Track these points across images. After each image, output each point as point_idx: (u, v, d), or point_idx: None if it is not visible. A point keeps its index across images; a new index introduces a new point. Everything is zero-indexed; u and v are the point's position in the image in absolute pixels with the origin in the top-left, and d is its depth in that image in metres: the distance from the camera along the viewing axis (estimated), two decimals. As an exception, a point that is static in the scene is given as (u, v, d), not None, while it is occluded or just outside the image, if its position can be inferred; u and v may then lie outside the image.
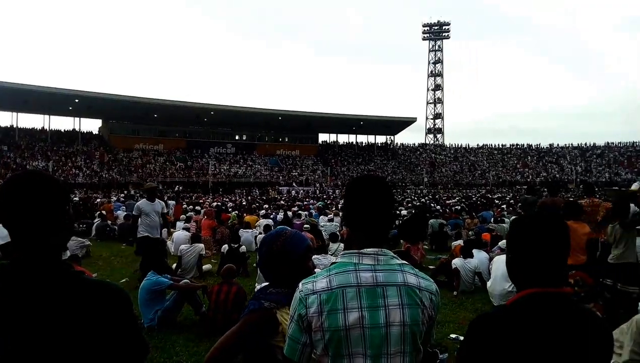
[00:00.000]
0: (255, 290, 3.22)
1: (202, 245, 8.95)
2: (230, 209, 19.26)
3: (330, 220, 13.74)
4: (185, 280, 6.20)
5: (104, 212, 15.48)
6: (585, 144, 68.31)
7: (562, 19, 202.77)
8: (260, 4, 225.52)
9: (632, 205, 6.24)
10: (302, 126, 62.36)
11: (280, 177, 55.88)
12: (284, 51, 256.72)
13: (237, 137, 64.06)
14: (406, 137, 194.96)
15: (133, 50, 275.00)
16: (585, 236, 5.57)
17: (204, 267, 8.83)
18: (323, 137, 70.30)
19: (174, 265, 8.39)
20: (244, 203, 24.38)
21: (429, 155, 70.59)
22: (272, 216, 15.28)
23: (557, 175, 59.69)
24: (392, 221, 1.54)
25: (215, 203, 21.87)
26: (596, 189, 8.70)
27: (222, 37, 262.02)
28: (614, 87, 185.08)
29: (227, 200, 28.47)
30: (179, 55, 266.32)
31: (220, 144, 61.04)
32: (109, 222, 14.52)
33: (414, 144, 74.36)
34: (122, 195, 27.76)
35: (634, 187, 9.57)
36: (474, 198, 27.88)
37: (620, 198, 6.16)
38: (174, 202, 17.54)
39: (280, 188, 47.55)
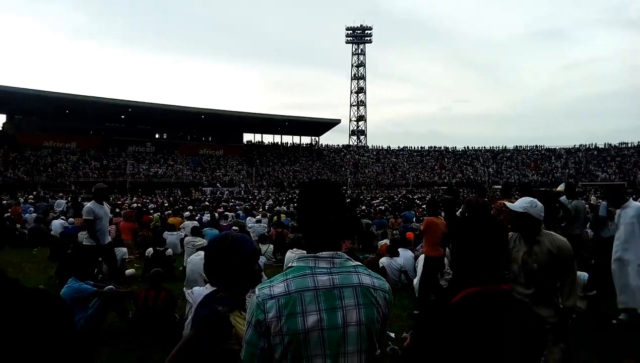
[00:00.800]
0: (186, 294, 3.12)
1: (124, 249, 8.53)
2: (151, 211, 18.48)
3: (258, 221, 13.61)
4: (110, 286, 5.87)
5: (11, 215, 14.25)
6: (497, 147, 72.99)
7: (475, 28, 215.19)
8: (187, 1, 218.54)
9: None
10: (227, 126, 61.31)
11: (204, 177, 54.52)
12: (206, 52, 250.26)
13: (157, 136, 61.67)
14: (331, 139, 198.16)
15: (44, 44, 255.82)
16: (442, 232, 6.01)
17: (127, 271, 8.41)
18: (248, 137, 69.71)
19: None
20: (166, 204, 23.50)
21: (353, 157, 72.16)
22: (197, 217, 14.86)
23: (472, 177, 63.38)
24: (345, 224, 1.56)
25: (135, 205, 20.89)
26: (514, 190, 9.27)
27: (147, 35, 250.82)
28: (521, 95, 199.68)
29: (148, 201, 27.30)
30: (99, 51, 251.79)
31: (139, 143, 58.37)
32: (18, 226, 13.40)
33: (338, 145, 75.70)
34: (31, 196, 25.74)
35: (560, 188, 10.28)
36: (396, 199, 28.81)
37: (546, 199, 6.60)
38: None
39: (203, 188, 46.39)
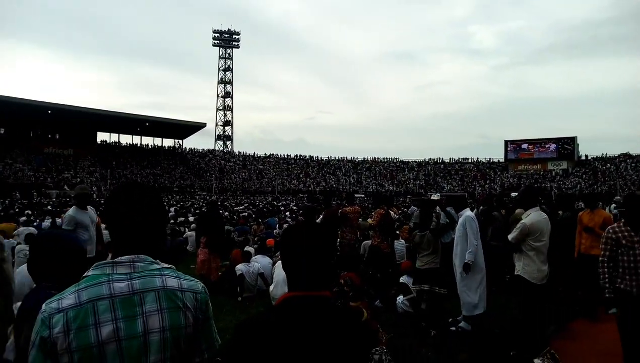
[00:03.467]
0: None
1: None
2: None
3: (107, 229, 12.51)
4: None
5: None
6: (357, 158, 77.29)
7: (338, 45, 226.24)
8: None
9: (441, 213, 7.22)
10: (78, 123, 55.99)
11: (49, 179, 49.08)
12: (60, 44, 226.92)
13: (-8, 130, 54.17)
14: (196, 142, 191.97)
15: None
16: None
17: None
18: (103, 137, 64.61)
19: None
20: (-2, 208, 20.59)
21: (219, 162, 70.81)
22: (36, 223, 13.20)
23: (334, 185, 66.12)
24: (157, 227, 1.45)
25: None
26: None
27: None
28: (379, 110, 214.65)
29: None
30: None
31: (-31, 137, 50.74)
32: None
33: (204, 150, 73.78)
34: None
35: (434, 197, 11.01)
36: (260, 206, 28.80)
37: (424, 206, 6.98)
38: None
39: (48, 191, 41.73)
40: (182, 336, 1.33)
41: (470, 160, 73.87)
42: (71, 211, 5.94)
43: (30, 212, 16.97)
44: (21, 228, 11.41)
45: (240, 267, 7.40)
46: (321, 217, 8.54)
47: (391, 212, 8.71)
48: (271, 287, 6.62)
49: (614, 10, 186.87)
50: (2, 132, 54.71)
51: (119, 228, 1.38)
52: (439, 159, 75.64)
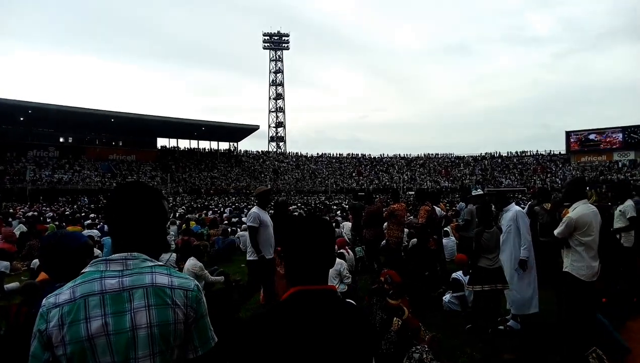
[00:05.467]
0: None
1: (6, 263, 7.79)
2: (48, 219, 17.15)
3: (165, 228, 13.04)
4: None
5: None
6: (410, 155, 76.12)
7: (388, 41, 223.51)
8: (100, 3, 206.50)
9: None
10: (139, 130, 58.69)
11: (114, 184, 51.70)
12: (118, 53, 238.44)
13: (61, 139, 57.71)
14: (250, 144, 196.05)
15: None
16: None
17: (8, 285, 7.68)
18: (162, 142, 67.27)
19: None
20: (67, 212, 21.94)
21: (272, 163, 71.94)
22: (99, 226, 13.98)
23: (388, 183, 65.48)
24: (153, 226, 1.51)
25: (30, 213, 19.29)
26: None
27: (52, 33, 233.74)
28: (432, 105, 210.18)
29: (47, 209, 25.35)
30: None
31: (41, 147, 54.28)
32: None
33: (258, 152, 75.17)
34: None
35: (475, 192, 10.70)
36: (313, 205, 29.05)
37: (483, 202, 6.63)
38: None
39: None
40: (170, 332, 1.37)
41: (529, 153, 70.98)
42: (255, 209, 6.05)
43: (94, 216, 17.95)
44: (85, 231, 12.15)
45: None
46: (364, 214, 8.51)
47: (437, 209, 8.55)
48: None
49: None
50: (71, 140, 58.17)
51: (114, 227, 1.45)
52: (496, 152, 73.21)
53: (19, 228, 13.46)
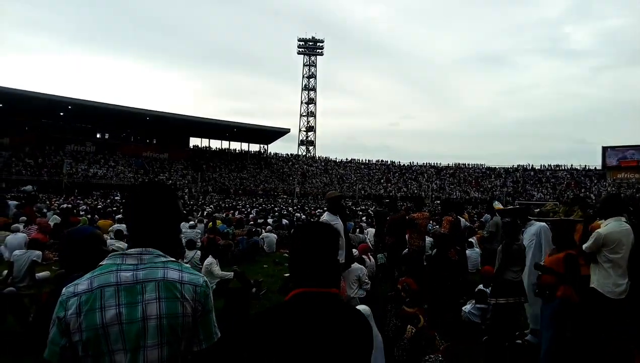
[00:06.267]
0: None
1: (38, 252, 8.08)
2: (82, 212, 17.71)
3: (192, 227, 13.28)
4: (11, 289, 5.55)
5: None
6: (440, 164, 75.29)
7: (421, 49, 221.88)
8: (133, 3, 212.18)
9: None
10: (173, 129, 59.95)
11: (146, 180, 52.82)
12: (155, 55, 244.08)
13: (98, 135, 59.55)
14: (280, 147, 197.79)
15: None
16: None
17: (39, 274, 7.96)
18: (194, 142, 68.51)
19: (5, 272, 7.47)
20: (99, 206, 22.60)
21: (301, 166, 72.31)
22: (129, 221, 14.31)
23: (416, 191, 64.91)
24: (167, 224, 1.61)
25: (65, 205, 19.95)
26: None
27: (94, 34, 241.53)
28: (464, 115, 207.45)
29: (81, 202, 26.16)
30: (39, 46, 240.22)
31: (79, 141, 56.09)
32: None
33: (287, 154, 75.71)
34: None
35: (497, 205, 10.49)
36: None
37: (513, 215, 6.48)
38: (15, 203, 15.60)
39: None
40: (179, 324, 1.45)
41: (563, 167, 69.28)
42: (326, 216, 5.89)
43: (126, 210, 18.40)
44: (115, 225, 12.51)
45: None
46: (387, 221, 8.52)
47: (462, 219, 8.48)
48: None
49: None
50: (106, 137, 59.87)
51: (131, 223, 1.58)
52: (529, 165, 71.73)
53: (53, 219, 13.93)
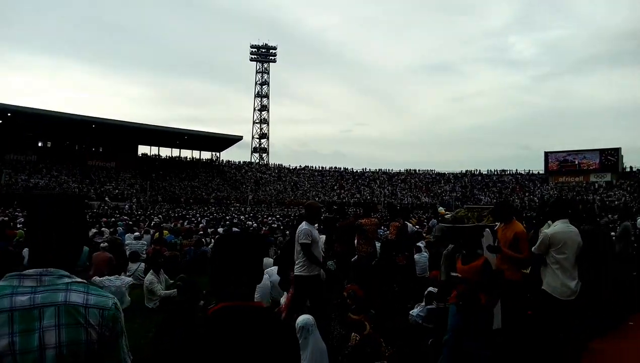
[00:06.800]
0: None
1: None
2: (19, 225, 16.75)
3: (138, 238, 12.82)
4: None
5: None
6: (392, 170, 76.62)
7: (372, 57, 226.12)
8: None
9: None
10: (120, 137, 57.99)
11: (92, 190, 50.88)
12: (98, 59, 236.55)
13: (40, 144, 56.73)
14: (232, 155, 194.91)
15: None
16: None
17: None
18: (144, 150, 66.61)
19: None
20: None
21: (254, 174, 71.73)
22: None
23: (369, 197, 65.73)
24: (69, 239, 1.45)
25: (0, 218, 18.83)
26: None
27: (33, 38, 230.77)
28: (414, 122, 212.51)
29: (20, 214, 24.79)
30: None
31: (19, 150, 53.26)
32: None
33: (240, 162, 74.87)
34: None
35: (441, 210, 10.66)
36: (292, 217, 28.95)
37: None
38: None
39: (91, 203, 43.22)
40: (82, 352, 1.32)
41: (508, 172, 72.04)
42: (305, 225, 5.65)
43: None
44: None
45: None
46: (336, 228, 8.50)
47: (409, 224, 8.58)
48: (282, 298, 6.63)
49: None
50: (49, 145, 57.24)
51: (31, 239, 1.41)
52: (477, 170, 74.11)
53: (-14, 233, 13.09)
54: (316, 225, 6.58)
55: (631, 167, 62.74)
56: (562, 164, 66.28)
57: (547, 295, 4.56)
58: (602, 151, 63.65)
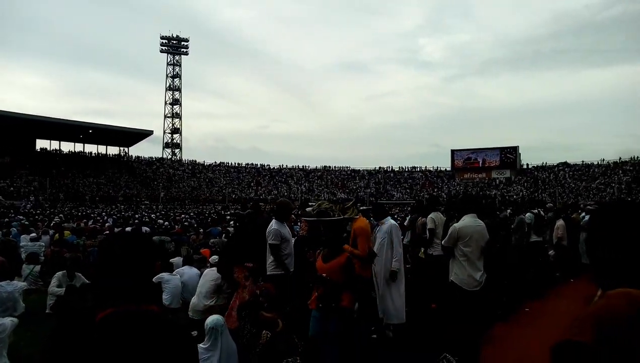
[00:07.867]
0: None
1: None
2: None
3: (34, 239, 11.81)
4: None
5: None
6: (309, 167, 77.43)
7: (290, 54, 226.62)
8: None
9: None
10: (15, 130, 53.22)
11: (-18, 189, 46.32)
12: (8, 48, 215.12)
13: None
14: (142, 150, 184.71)
15: None
16: None
17: None
18: (43, 144, 61.70)
19: None
20: None
21: (166, 170, 69.12)
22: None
23: (286, 193, 65.86)
24: None
25: None
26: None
27: None
28: (331, 120, 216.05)
29: None
30: None
31: None
32: None
33: (151, 158, 71.75)
34: None
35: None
36: (206, 214, 28.25)
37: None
38: None
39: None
40: None
41: (418, 169, 75.58)
42: (275, 225, 5.42)
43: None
44: None
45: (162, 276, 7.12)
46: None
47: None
48: (193, 299, 6.42)
49: (554, 25, 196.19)
50: None
51: None
52: (389, 167, 77.10)
53: None
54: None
55: (527, 164, 68.53)
56: (466, 162, 70.72)
57: (454, 285, 4.81)
58: (502, 149, 68.85)
